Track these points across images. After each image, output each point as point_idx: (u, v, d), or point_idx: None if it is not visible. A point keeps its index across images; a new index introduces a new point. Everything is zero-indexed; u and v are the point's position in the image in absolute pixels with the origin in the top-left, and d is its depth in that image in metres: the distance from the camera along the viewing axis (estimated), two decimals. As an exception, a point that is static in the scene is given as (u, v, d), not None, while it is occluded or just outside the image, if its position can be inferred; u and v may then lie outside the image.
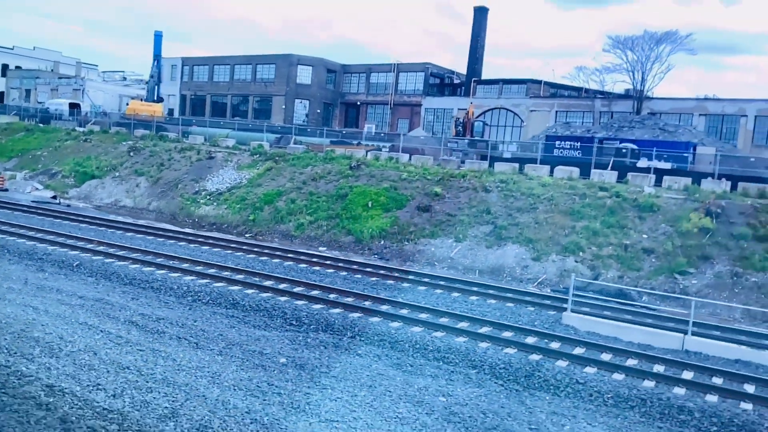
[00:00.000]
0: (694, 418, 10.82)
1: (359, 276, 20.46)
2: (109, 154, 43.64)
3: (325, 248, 28.93)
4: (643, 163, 35.23)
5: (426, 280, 20.43)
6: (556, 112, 61.97)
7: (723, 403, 11.51)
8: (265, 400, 9.80)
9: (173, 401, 9.33)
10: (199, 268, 19.12)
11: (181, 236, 26.44)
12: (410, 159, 35.95)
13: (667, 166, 34.32)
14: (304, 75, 75.26)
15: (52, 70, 78.27)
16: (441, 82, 73.84)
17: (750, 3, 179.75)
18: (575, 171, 31.35)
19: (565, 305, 17.23)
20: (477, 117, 66.23)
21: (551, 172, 31.74)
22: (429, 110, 71.15)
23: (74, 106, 55.67)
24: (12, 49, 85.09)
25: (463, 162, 35.02)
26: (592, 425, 10.11)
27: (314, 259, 22.49)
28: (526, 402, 10.92)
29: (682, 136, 43.31)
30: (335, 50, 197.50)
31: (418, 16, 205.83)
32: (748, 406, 11.45)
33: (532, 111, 63.17)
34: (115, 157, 42.79)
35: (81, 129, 48.59)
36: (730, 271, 22.94)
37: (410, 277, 20.91)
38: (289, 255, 23.00)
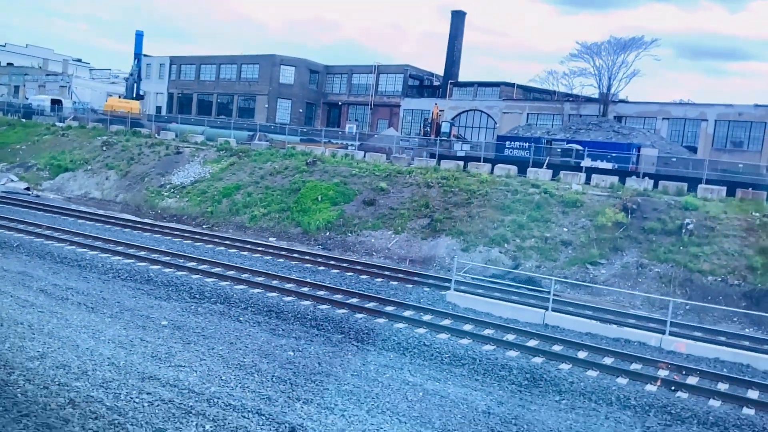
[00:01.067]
0: (512, 374, 12.52)
1: (282, 260, 22.21)
2: (84, 148, 45.42)
3: (274, 239, 30.62)
4: (586, 162, 36.95)
5: (344, 265, 22.15)
6: (528, 114, 63.60)
7: (545, 363, 13.21)
8: (131, 351, 11.52)
9: (47, 348, 11.05)
10: (131, 251, 20.87)
11: (133, 225, 28.21)
12: (364, 156, 37.67)
13: (609, 166, 36.05)
14: (287, 75, 76.94)
15: (40, 67, 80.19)
16: (420, 84, 75.46)
17: (755, 10, 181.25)
18: (513, 169, 33.04)
19: (461, 287, 18.94)
20: (452, 118, 68.03)
21: (492, 169, 33.42)
22: (407, 111, 72.79)
23: (56, 102, 57.47)
24: (4, 46, 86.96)
25: (413, 160, 36.70)
26: (413, 374, 11.82)
27: (247, 246, 24.25)
28: (367, 357, 12.63)
29: (635, 139, 44.97)
30: (339, 52, 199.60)
31: (422, 19, 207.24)
32: (565, 366, 13.16)
33: (505, 113, 64.82)
34: (89, 152, 44.56)
35: (60, 124, 50.37)
36: (637, 262, 24.61)
37: (331, 263, 22.64)
38: (225, 242, 24.77)
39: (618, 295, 23.16)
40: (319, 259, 22.90)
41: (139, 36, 59.32)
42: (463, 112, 67.90)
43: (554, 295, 22.65)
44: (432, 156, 37.35)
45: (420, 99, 72.65)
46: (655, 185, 30.76)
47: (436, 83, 74.97)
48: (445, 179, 32.56)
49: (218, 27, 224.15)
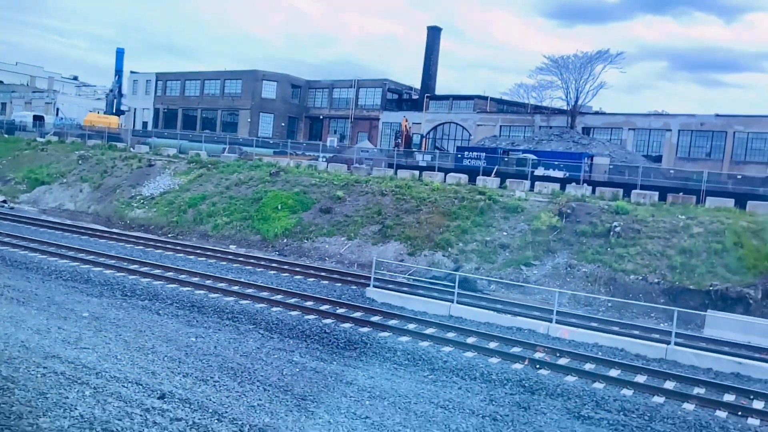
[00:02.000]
0: (395, 355, 13.86)
1: (224, 263, 23.59)
2: (61, 162, 46.89)
3: (235, 246, 31.98)
4: (540, 171, 38.45)
5: (285, 267, 23.54)
6: (501, 126, 65.14)
7: (430, 347, 14.56)
8: (45, 336, 12.86)
9: (-34, 333, 12.40)
10: (80, 255, 22.24)
11: (92, 233, 29.61)
12: (327, 167, 39.13)
13: (560, 174, 37.51)
14: (269, 90, 78.62)
15: (27, 84, 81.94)
16: (399, 98, 77.10)
17: (750, 22, 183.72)
18: (464, 177, 34.50)
19: (402, 288, 20.33)
20: (429, 131, 69.76)
21: (444, 178, 34.86)
22: (386, 124, 74.32)
23: (38, 118, 59.06)
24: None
25: (371, 170, 38.15)
26: (301, 356, 13.16)
27: (196, 251, 25.66)
28: (266, 342, 13.97)
29: (593, 149, 46.51)
30: (336, 67, 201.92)
31: (420, 33, 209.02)
32: (447, 348, 14.51)
33: (479, 125, 66.35)
34: (66, 165, 46.03)
35: (41, 139, 51.88)
36: (566, 263, 25.99)
37: (273, 265, 24.01)
38: (176, 247, 26.18)
39: (547, 293, 24.52)
40: (262, 263, 24.29)
41: (120, 53, 61.04)
42: (440, 124, 69.47)
43: (487, 293, 24.09)
44: (390, 166, 38.81)
45: (398, 112, 74.19)
46: (626, 193, 31.58)
47: (414, 96, 76.61)
48: (399, 188, 33.98)
49: (219, 44, 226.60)
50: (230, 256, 25.09)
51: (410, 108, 75.85)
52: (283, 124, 78.98)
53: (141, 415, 9.19)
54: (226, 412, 9.69)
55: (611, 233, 26.50)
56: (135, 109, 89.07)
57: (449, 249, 28.68)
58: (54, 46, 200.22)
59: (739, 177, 33.79)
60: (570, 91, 58.63)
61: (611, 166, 39.11)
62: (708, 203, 27.79)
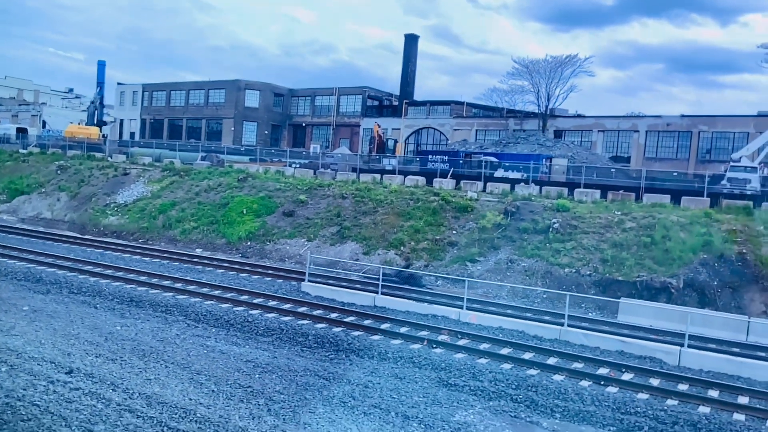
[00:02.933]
0: (307, 340, 15.15)
1: (177, 263, 24.91)
2: (41, 172, 48.24)
3: (201, 249, 33.25)
4: (499, 173, 39.79)
5: (235, 267, 24.85)
6: (476, 130, 66.59)
7: (342, 332, 15.86)
8: (-19, 326, 14.16)
9: None
10: (39, 258, 23.54)
11: (58, 238, 30.92)
12: (293, 172, 40.47)
13: (519, 175, 38.81)
14: (252, 99, 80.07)
15: (14, 98, 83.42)
16: (380, 104, 78.54)
17: (746, 23, 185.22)
18: (422, 180, 35.83)
19: (330, 282, 21.63)
20: (408, 136, 71.32)
21: (404, 181, 36.20)
22: (367, 130, 75.60)
23: (21, 131, 60.42)
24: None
25: (336, 174, 39.48)
26: (216, 341, 14.46)
27: (154, 253, 26.95)
28: (189, 331, 15.27)
29: (557, 151, 47.81)
30: (333, 74, 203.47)
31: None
32: (356, 333, 15.81)
33: (455, 130, 67.77)
34: (45, 175, 47.37)
35: (23, 151, 53.24)
36: (508, 258, 27.29)
37: (224, 265, 25.31)
38: (136, 250, 27.49)
39: (488, 287, 25.81)
40: (214, 263, 25.63)
41: (101, 65, 62.53)
42: (419, 129, 70.90)
43: (430, 288, 25.39)
44: (353, 170, 40.16)
45: (378, 118, 75.58)
46: (570, 192, 32.81)
47: (395, 103, 78.03)
48: (359, 191, 35.31)
49: (215, 53, 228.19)
50: (185, 258, 26.41)
51: (390, 114, 77.30)
52: (266, 132, 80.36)
53: (44, 386, 10.48)
54: (123, 384, 10.98)
55: (550, 230, 27.81)
56: (122, 120, 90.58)
57: (401, 248, 29.98)
58: (51, 58, 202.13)
59: (674, 174, 35.11)
60: (540, 94, 60.13)
61: (568, 167, 40.43)
62: (645, 199, 29.09)
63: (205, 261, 25.85)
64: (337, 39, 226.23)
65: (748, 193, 34.54)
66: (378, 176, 37.64)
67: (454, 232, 30.17)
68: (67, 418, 9.26)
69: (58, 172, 47.32)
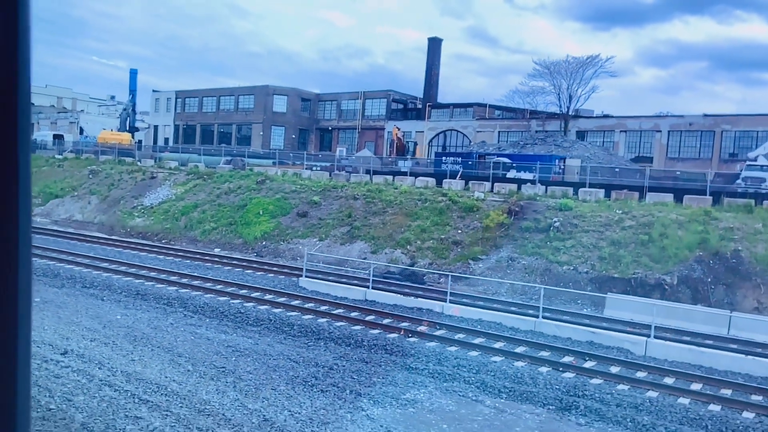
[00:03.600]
0: (293, 329, 16.18)
1: (188, 261, 26.28)
2: (74, 177, 50.50)
3: (219, 249, 34.67)
4: (512, 174, 40.34)
5: (243, 264, 26.08)
6: (499, 132, 66.99)
7: (326, 323, 16.85)
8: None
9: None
10: (61, 256, 25.15)
11: (88, 239, 32.67)
12: (310, 175, 41.70)
13: (531, 176, 39.31)
14: (280, 104, 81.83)
15: (53, 106, 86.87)
16: (404, 107, 79.46)
17: None
18: (431, 181, 36.65)
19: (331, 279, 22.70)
20: (431, 139, 72.09)
21: (414, 182, 37.07)
22: (391, 133, 76.67)
23: (58, 137, 63.11)
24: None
25: (350, 176, 40.57)
26: (207, 330, 15.60)
27: (171, 252, 28.38)
28: (182, 320, 16.46)
29: (575, 152, 48.02)
30: (368, 77, 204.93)
31: (451, 42, 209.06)
32: (340, 323, 16.78)
33: (478, 131, 68.26)
34: (78, 180, 49.61)
35: (59, 156, 55.74)
36: (509, 257, 27.94)
37: (233, 262, 26.56)
38: (154, 250, 28.98)
39: (488, 284, 26.53)
40: (224, 261, 26.90)
41: (134, 74, 65.01)
42: (441, 132, 71.58)
43: (430, 285, 26.21)
44: (367, 172, 41.19)
45: (403, 121, 76.52)
46: (575, 192, 33.25)
47: (419, 106, 78.89)
48: (371, 192, 36.31)
49: (252, 59, 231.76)
50: (197, 256, 27.79)
51: (415, 117, 78.18)
52: (294, 136, 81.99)
53: (38, 364, 11.70)
54: (109, 362, 12.17)
55: (551, 228, 28.36)
56: (157, 126, 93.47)
57: (408, 247, 30.85)
58: (94, 67, 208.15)
59: (677, 173, 35.18)
60: (562, 95, 60.25)
61: (581, 167, 40.72)
62: (648, 199, 29.40)
63: (216, 259, 27.16)
64: (372, 42, 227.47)
65: (763, 192, 34.50)
66: (390, 178, 38.54)
67: (459, 231, 30.91)
68: (52, 390, 10.44)
69: (90, 176, 49.49)
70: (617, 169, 36.90)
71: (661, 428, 10.86)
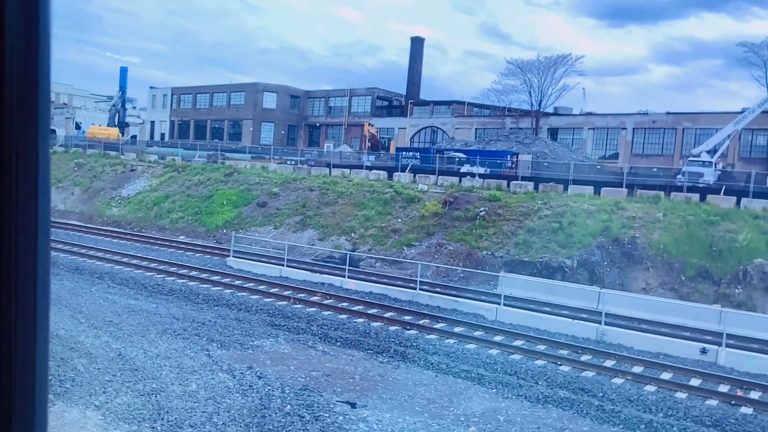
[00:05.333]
0: (198, 297, 18.68)
1: (139, 244, 28.86)
2: (61, 169, 53.28)
3: (183, 236, 37.23)
4: (465, 168, 42.63)
5: (183, 246, 28.62)
6: (476, 128, 69.13)
7: (231, 294, 19.33)
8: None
9: None
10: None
11: (63, 227, 35.44)
12: (276, 168, 44.20)
13: (482, 170, 41.59)
14: (270, 101, 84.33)
15: (53, 101, 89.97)
16: (389, 104, 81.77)
17: None
18: (383, 174, 39.03)
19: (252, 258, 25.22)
20: (413, 135, 74.34)
21: (368, 175, 39.48)
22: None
23: (51, 132, 65.76)
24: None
25: (311, 169, 43.04)
26: (122, 297, 18.12)
27: (133, 237, 30.99)
28: (110, 291, 18.99)
29: (534, 148, 50.26)
30: (378, 75, 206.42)
31: (463, 38, 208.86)
32: (243, 293, 19.27)
33: (457, 128, 70.46)
34: (63, 172, 52.38)
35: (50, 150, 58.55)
36: (438, 243, 30.32)
37: (182, 246, 29.11)
38: (116, 235, 31.56)
39: (417, 267, 28.88)
40: (174, 244, 29.45)
41: (124, 71, 67.75)
42: (423, 128, 73.83)
43: (364, 268, 28.63)
44: (327, 165, 43.65)
45: (386, 118, 78.86)
46: (536, 186, 35.28)
47: (404, 103, 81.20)
48: (326, 184, 38.75)
49: (264, 55, 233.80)
50: (151, 240, 30.35)
51: (399, 114, 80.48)
52: (283, 132, 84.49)
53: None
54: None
55: (477, 217, 30.69)
56: (153, 121, 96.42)
57: (352, 234, 33.28)
58: (107, 62, 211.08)
59: (598, 167, 37.35)
60: (533, 93, 62.38)
61: (531, 163, 42.96)
62: (570, 191, 31.63)
63: (166, 243, 29.71)
64: (383, 39, 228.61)
65: (701, 185, 36.61)
66: (346, 171, 40.97)
67: (399, 220, 33.29)
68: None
69: (75, 169, 52.27)
70: (546, 164, 39.11)
71: (471, 372, 13.21)
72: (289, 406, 9.86)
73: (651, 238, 26.11)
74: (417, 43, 77.38)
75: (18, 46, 1.12)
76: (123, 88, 67.68)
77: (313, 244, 33.59)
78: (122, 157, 53.63)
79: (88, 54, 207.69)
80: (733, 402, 12.32)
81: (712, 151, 42.65)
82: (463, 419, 10.06)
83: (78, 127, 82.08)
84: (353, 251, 31.59)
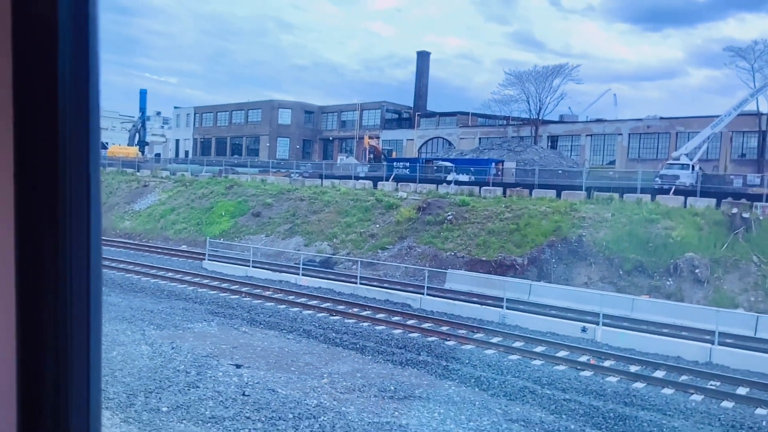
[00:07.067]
0: (163, 293, 21.30)
1: (132, 251, 31.77)
2: (81, 186, 57.12)
3: (186, 246, 40.22)
4: (451, 176, 44.77)
5: (172, 252, 31.43)
6: (480, 138, 71.10)
7: (193, 291, 21.92)
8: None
9: None
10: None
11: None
12: (274, 180, 47.02)
13: (466, 178, 43.68)
14: (285, 117, 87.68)
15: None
16: (399, 117, 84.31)
17: None
18: (368, 183, 41.45)
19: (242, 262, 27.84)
20: (421, 146, 76.67)
21: (355, 184, 41.96)
22: (385, 141, 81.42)
23: (74, 152, 69.87)
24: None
25: (305, 180, 45.71)
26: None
27: (133, 246, 33.97)
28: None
29: (526, 156, 52.11)
30: (408, 86, 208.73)
31: (494, 47, 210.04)
32: (203, 290, 21.83)
33: (461, 138, 72.56)
34: (83, 189, 56.19)
35: (73, 169, 62.55)
36: (409, 246, 32.57)
37: (173, 251, 31.95)
38: (121, 245, 34.59)
39: (388, 268, 31.22)
40: (165, 251, 32.27)
41: (143, 93, 71.81)
42: (429, 139, 76.12)
43: (337, 270, 31.04)
44: (320, 176, 46.28)
45: (396, 130, 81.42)
46: (504, 192, 37.36)
47: (412, 115, 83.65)
48: (315, 194, 41.36)
49: (298, 72, 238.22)
50: (151, 248, 33.25)
51: (408, 126, 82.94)
52: (298, 147, 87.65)
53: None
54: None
55: (445, 221, 32.85)
56: (178, 139, 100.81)
57: (334, 240, 35.75)
58: (146, 83, 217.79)
59: (559, 171, 39.06)
60: (531, 103, 64.17)
61: (516, 170, 44.91)
62: (534, 194, 33.56)
63: (159, 250, 32.56)
64: (415, 51, 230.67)
65: (679, 188, 38.11)
66: (336, 181, 43.53)
67: (377, 225, 35.65)
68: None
69: (94, 185, 55.99)
70: (531, 171, 41.06)
71: (357, 344, 15.48)
72: (183, 366, 12.30)
73: (597, 236, 27.93)
74: (423, 58, 79.89)
75: (70, 68, 1.17)
76: (143, 109, 71.76)
77: (299, 250, 36.11)
78: (138, 174, 57.17)
79: (128, 76, 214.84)
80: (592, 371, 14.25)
81: (690, 154, 43.96)
82: (323, 376, 12.37)
83: (104, 147, 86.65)
84: (333, 255, 34.09)
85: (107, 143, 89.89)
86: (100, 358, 1.30)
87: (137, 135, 69.78)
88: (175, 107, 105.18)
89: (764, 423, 11.25)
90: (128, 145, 69.47)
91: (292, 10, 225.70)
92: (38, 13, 1.15)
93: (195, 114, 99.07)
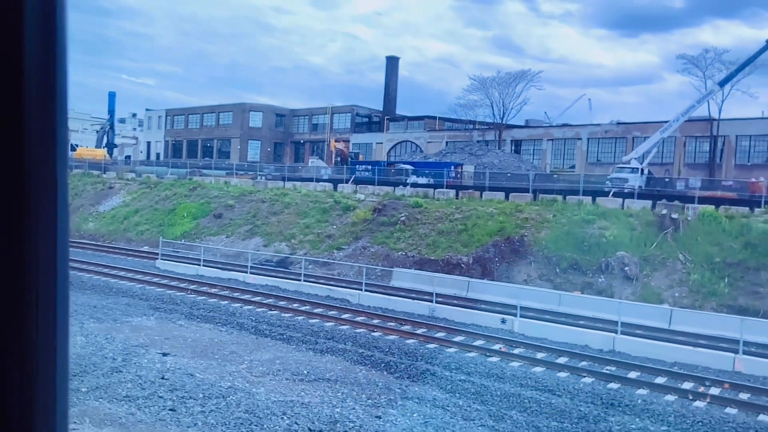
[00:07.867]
0: (112, 290, 22.06)
1: (90, 252, 32.41)
2: (47, 188, 57.32)
3: (147, 246, 40.81)
4: (411, 179, 45.90)
5: (129, 252, 32.12)
6: (446, 142, 72.32)
7: (141, 288, 22.70)
8: None
9: None
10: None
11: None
12: (238, 182, 47.78)
13: (425, 181, 44.81)
14: (256, 120, 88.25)
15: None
16: (369, 120, 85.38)
17: None
18: (329, 185, 42.42)
19: (190, 262, 28.62)
20: (390, 149, 77.68)
21: (315, 186, 42.90)
22: (355, 144, 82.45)
23: (42, 154, 69.83)
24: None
25: (267, 182, 46.54)
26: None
27: (93, 246, 34.57)
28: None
29: (485, 159, 53.39)
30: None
31: (475, 52, 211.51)
32: (157, 288, 22.63)
33: (429, 142, 73.75)
34: (49, 191, 56.40)
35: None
36: (363, 246, 33.58)
37: (129, 252, 32.62)
38: (80, 245, 35.16)
39: (342, 267, 32.19)
40: (123, 251, 32.93)
41: (112, 96, 72.22)
42: (398, 143, 77.24)
43: (293, 269, 31.95)
44: (283, 179, 47.15)
45: (365, 134, 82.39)
46: (456, 194, 38.51)
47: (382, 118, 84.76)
48: (277, 196, 42.24)
49: (278, 74, 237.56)
50: (106, 248, 33.89)
51: (377, 129, 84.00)
52: (269, 149, 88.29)
53: None
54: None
55: (398, 222, 33.93)
56: (149, 142, 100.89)
57: (292, 240, 36.66)
58: (124, 85, 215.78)
59: (508, 174, 40.47)
60: (495, 108, 65.61)
61: (474, 173, 46.15)
62: (484, 196, 34.78)
63: (117, 250, 33.23)
64: (396, 54, 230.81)
65: (626, 191, 39.54)
66: (297, 183, 44.44)
67: (334, 226, 36.63)
68: None
69: (60, 187, 56.24)
70: (489, 174, 42.40)
71: (284, 334, 16.44)
72: (111, 354, 13.19)
73: (538, 236, 29.20)
74: (392, 62, 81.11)
75: (37, 68, 1.14)
76: (111, 111, 72.10)
77: (258, 250, 36.95)
78: (104, 176, 57.54)
79: (105, 78, 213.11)
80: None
81: (640, 158, 45.56)
82: (244, 363, 13.33)
83: (73, 148, 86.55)
84: (291, 255, 34.98)
85: (77, 145, 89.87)
86: (67, 360, 1.27)
87: (105, 137, 70.05)
88: (147, 109, 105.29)
89: (640, 401, 12.42)
90: (96, 147, 69.67)
91: (273, 13, 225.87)
92: (3, 11, 1.12)
93: (167, 116, 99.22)
